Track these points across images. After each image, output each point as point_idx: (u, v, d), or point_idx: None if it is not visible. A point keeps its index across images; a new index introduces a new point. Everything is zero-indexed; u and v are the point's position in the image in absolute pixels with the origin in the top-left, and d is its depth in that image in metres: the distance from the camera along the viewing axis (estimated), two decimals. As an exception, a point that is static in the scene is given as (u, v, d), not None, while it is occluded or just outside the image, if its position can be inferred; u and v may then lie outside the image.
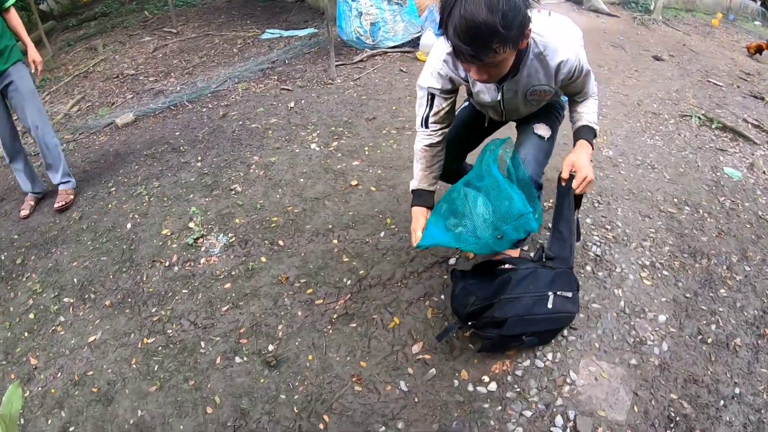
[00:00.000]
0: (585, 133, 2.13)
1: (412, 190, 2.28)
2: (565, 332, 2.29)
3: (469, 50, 1.58)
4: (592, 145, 2.11)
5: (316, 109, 4.81)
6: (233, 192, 3.55)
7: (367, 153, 3.89)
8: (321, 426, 2.02)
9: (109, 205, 3.59)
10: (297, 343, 2.33)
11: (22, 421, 2.25)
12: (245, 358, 2.29)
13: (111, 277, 2.93)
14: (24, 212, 3.76)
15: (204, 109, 5.21)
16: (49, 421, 2.22)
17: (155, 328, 2.54)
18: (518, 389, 2.10)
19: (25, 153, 3.83)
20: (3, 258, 3.28)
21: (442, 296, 2.50)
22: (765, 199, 3.46)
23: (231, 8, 9.98)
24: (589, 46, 6.94)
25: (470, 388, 2.12)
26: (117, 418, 2.17)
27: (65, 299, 2.84)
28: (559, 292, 2.07)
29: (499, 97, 2.06)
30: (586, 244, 2.83)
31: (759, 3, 13.43)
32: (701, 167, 3.78)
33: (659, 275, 2.67)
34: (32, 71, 3.67)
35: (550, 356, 2.20)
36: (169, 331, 2.50)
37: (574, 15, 8.43)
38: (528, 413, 2.02)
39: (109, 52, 7.95)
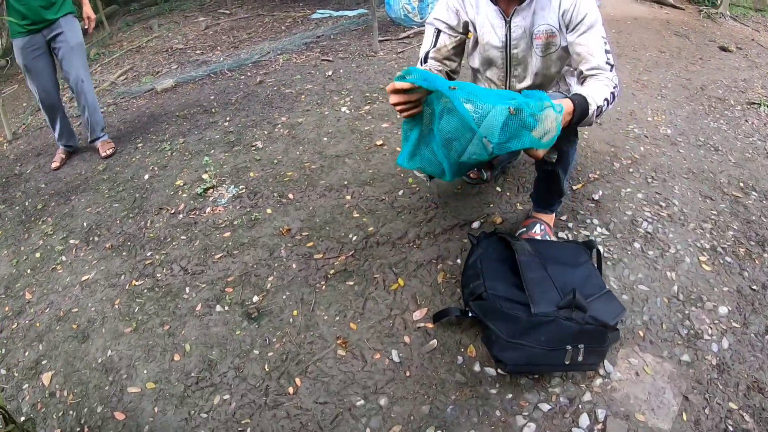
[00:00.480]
0: (576, 96, 1.68)
1: None
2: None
3: None
4: (575, 109, 1.64)
5: (353, 77, 4.52)
6: (254, 148, 3.30)
7: (398, 117, 3.55)
8: (290, 390, 1.71)
9: (133, 159, 3.43)
10: (284, 297, 2.02)
11: (3, 351, 2.17)
12: (226, 308, 2.00)
13: (118, 222, 2.79)
14: (55, 164, 3.71)
15: (242, 77, 5.01)
16: (26, 353, 2.12)
17: (146, 271, 2.31)
18: (536, 375, 1.71)
19: (63, 107, 3.76)
20: (27, 204, 3.28)
21: (458, 260, 2.14)
22: None
23: (286, -8, 9.86)
24: (650, 33, 6.48)
25: (476, 367, 1.75)
26: (87, 356, 1.98)
27: (71, 241, 2.75)
28: (581, 346, 1.64)
29: (505, 34, 1.92)
30: (635, 219, 2.41)
31: None
32: None
33: (721, 261, 2.20)
34: (85, 26, 3.61)
35: (581, 341, 1.79)
36: (158, 275, 2.26)
37: (636, 6, 7.89)
38: (545, 407, 1.62)
39: (163, 30, 7.90)
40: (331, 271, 2.12)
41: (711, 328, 1.87)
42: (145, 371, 1.83)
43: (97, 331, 2.06)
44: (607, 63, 1.79)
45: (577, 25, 1.81)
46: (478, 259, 1.87)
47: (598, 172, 2.78)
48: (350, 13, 7.10)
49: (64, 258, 2.61)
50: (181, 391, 1.77)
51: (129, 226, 2.69)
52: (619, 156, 2.98)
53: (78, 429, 1.78)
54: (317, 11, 7.60)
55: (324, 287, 2.05)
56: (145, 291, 2.18)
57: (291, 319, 1.91)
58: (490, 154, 1.56)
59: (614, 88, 1.75)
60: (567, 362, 1.63)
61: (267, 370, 1.77)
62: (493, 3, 1.89)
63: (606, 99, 1.70)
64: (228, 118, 3.90)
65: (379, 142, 3.16)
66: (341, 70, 4.75)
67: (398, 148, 3.08)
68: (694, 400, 1.62)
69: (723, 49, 6.19)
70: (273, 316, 1.94)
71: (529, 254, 1.83)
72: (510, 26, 1.89)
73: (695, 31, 6.92)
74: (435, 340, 1.82)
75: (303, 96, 4.16)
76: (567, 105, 1.60)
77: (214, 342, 1.86)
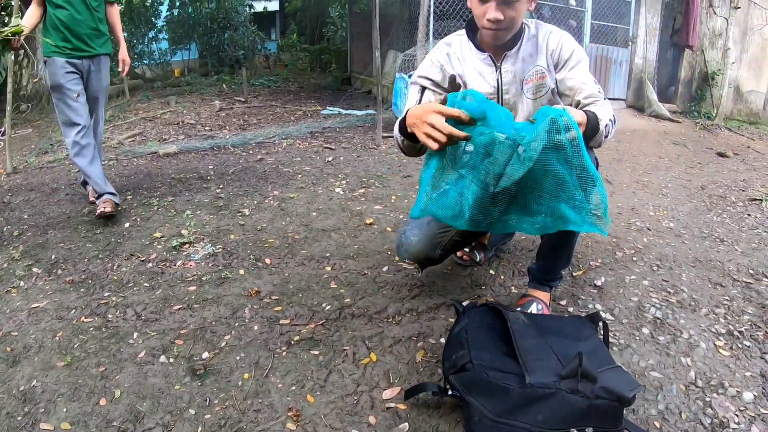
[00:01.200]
0: (586, 110, 1.64)
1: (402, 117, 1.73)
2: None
3: None
4: (588, 121, 1.59)
5: (352, 164, 4.44)
6: (240, 214, 3.13)
7: (393, 201, 3.41)
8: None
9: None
10: (237, 358, 1.74)
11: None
12: (171, 360, 1.72)
13: (86, 260, 2.56)
14: (109, 209, 3.06)
15: (244, 153, 4.95)
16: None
17: (98, 310, 2.05)
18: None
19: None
20: (4, 230, 3.08)
21: (442, 339, 1.88)
22: None
23: (301, 91, 10.13)
24: (648, 142, 6.49)
25: (455, 460, 1.45)
26: (11, 381, 1.69)
27: (35, 269, 2.52)
28: (590, 429, 1.32)
29: (497, 80, 1.86)
30: (642, 305, 2.21)
31: None
32: None
33: (740, 345, 1.99)
34: (119, 69, 3.50)
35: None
36: (109, 316, 2.00)
37: (635, 119, 8.07)
38: None
39: (179, 107, 8.00)
40: (296, 338, 1.86)
41: (737, 415, 1.61)
42: (65, 410, 1.53)
43: (29, 358, 1.77)
44: (600, 93, 1.80)
45: (567, 61, 1.84)
46: (463, 329, 1.59)
47: (599, 260, 2.62)
48: (358, 113, 7.21)
49: (21, 283, 2.38)
50: (97, 441, 1.48)
51: (95, 266, 2.46)
52: (622, 246, 2.83)
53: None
54: (327, 108, 7.74)
55: (284, 353, 1.78)
56: (91, 329, 1.91)
57: (240, 382, 1.63)
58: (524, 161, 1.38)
59: (612, 114, 1.73)
60: None
61: (199, 433, 1.48)
62: (481, 51, 1.85)
63: (610, 119, 1.69)
64: (221, 186, 3.76)
65: (369, 221, 2.99)
66: (341, 158, 4.70)
67: (388, 228, 2.91)
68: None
69: (720, 155, 6.27)
70: (220, 376, 1.66)
71: (524, 324, 1.55)
72: (501, 72, 1.86)
73: (692, 141, 7.04)
74: (406, 424, 1.50)
75: (299, 175, 4.06)
76: (579, 115, 1.54)
77: (148, 393, 1.58)
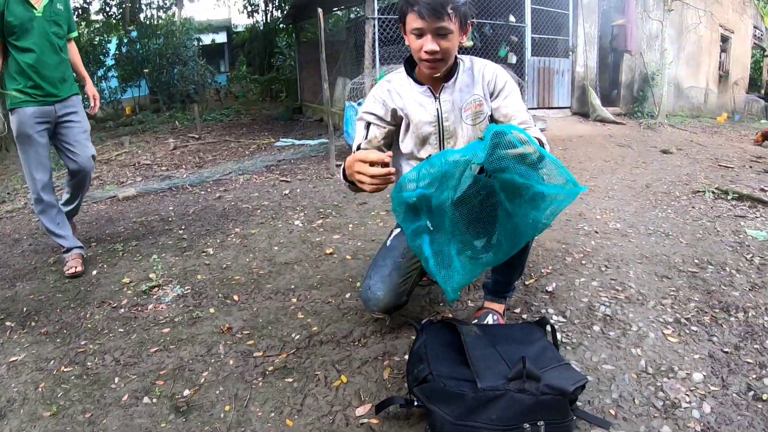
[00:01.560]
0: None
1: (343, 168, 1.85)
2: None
3: (428, 5, 1.72)
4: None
5: (309, 196, 4.58)
6: (204, 254, 3.22)
7: (350, 229, 3.57)
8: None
9: (84, 255, 3.28)
10: (217, 392, 1.85)
11: None
12: (154, 400, 1.82)
13: (58, 310, 2.59)
14: (77, 269, 3.02)
15: (202, 192, 5.03)
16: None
17: (77, 358, 2.12)
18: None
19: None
20: None
21: (406, 356, 2.02)
22: None
23: (254, 123, 10.21)
24: (594, 147, 6.79)
25: (426, 466, 1.59)
26: None
27: (7, 323, 2.51)
28: (541, 423, 1.47)
29: (437, 109, 2.00)
30: (592, 304, 2.39)
31: (763, 102, 13.63)
32: (721, 232, 3.39)
33: (687, 331, 2.17)
34: (91, 105, 3.28)
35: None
36: (89, 363, 2.07)
37: (580, 125, 8.35)
38: None
39: (133, 147, 8.00)
40: (270, 368, 1.98)
41: (688, 395, 1.76)
42: (58, 460, 1.63)
43: (15, 411, 1.83)
44: (531, 120, 1.98)
45: (500, 91, 2.00)
46: (422, 345, 1.75)
47: (550, 267, 2.79)
48: (312, 142, 7.36)
49: (-4, 338, 2.40)
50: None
51: (68, 316, 2.51)
52: (571, 251, 3.02)
53: None
54: (281, 139, 7.86)
55: (261, 383, 1.90)
56: (73, 378, 1.98)
57: (222, 415, 1.75)
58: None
59: (545, 141, 1.85)
60: None
61: (191, 466, 1.59)
62: (419, 84, 2.00)
63: (544, 144, 1.80)
64: (183, 227, 3.85)
65: (329, 251, 3.13)
66: (298, 190, 4.83)
67: (348, 256, 3.06)
68: (688, 470, 1.47)
69: (664, 152, 6.62)
70: (203, 411, 1.77)
71: (476, 335, 1.72)
72: (440, 101, 1.99)
73: (637, 141, 7.36)
74: (378, 437, 1.65)
75: (259, 211, 4.18)
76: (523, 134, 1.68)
77: (136, 434, 1.69)
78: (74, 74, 3.22)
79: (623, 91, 10.04)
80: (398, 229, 2.20)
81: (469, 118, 2.01)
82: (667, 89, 9.78)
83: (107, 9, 12.06)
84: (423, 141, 2.06)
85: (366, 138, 2.05)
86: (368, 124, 2.06)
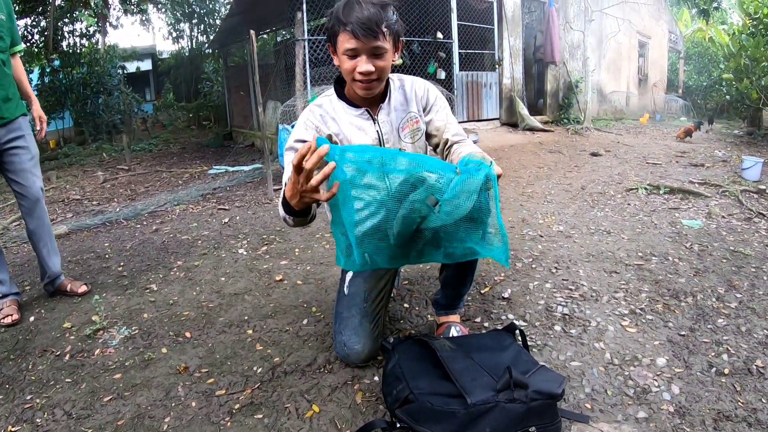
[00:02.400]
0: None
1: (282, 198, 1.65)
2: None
3: (362, 25, 1.66)
4: None
5: (249, 223, 4.47)
6: (147, 291, 3.07)
7: (297, 254, 3.50)
8: None
9: (20, 302, 3.04)
10: None
11: None
12: (115, 453, 1.72)
13: None
14: (14, 317, 2.77)
15: (138, 226, 4.81)
16: None
17: (24, 416, 1.95)
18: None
19: None
20: None
21: (376, 377, 1.99)
22: (732, 237, 3.23)
23: (184, 152, 9.91)
24: (526, 155, 7.01)
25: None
26: None
27: None
28: (533, 429, 1.49)
29: (377, 131, 1.95)
30: (549, 305, 2.45)
31: (681, 101, 14.48)
32: (659, 225, 3.58)
33: (644, 320, 2.27)
34: (38, 129, 2.94)
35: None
36: (38, 420, 1.91)
37: (510, 135, 8.58)
38: None
39: (61, 182, 7.57)
40: (236, 406, 1.89)
41: (656, 380, 1.84)
42: None
43: None
44: (463, 132, 2.00)
45: (432, 105, 2.02)
46: (396, 364, 1.71)
47: (502, 274, 2.83)
48: (246, 168, 7.22)
49: (-70, 404, 2.18)
50: None
51: (9, 369, 2.31)
52: (520, 256, 3.09)
53: None
54: (214, 167, 7.67)
55: (229, 424, 1.81)
56: (21, 439, 1.83)
57: (188, 462, 1.67)
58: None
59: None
60: None
61: None
62: (355, 107, 1.94)
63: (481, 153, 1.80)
64: (122, 263, 3.66)
65: (278, 278, 3.06)
66: (238, 217, 4.71)
67: (299, 282, 2.99)
68: (669, 449, 1.52)
69: (594, 154, 6.92)
70: (168, 460, 1.68)
71: (451, 349, 1.70)
72: (378, 123, 1.95)
73: (567, 146, 7.64)
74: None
75: (200, 241, 4.04)
76: (498, 168, 1.64)
77: (100, 494, 1.57)
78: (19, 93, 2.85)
79: (549, 99, 10.46)
80: (350, 274, 2.13)
81: (407, 137, 2.00)
82: (591, 95, 10.31)
83: (29, 37, 11.39)
84: None
85: None
86: None
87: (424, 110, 2.03)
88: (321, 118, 1.93)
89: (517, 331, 1.91)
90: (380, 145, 1.96)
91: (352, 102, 1.95)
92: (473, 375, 1.58)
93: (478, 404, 1.44)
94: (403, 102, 2.00)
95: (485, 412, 1.44)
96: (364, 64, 1.74)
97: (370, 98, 1.91)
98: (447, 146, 1.97)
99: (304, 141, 1.84)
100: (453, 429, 1.44)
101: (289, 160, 1.81)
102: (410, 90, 2.01)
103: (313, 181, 1.36)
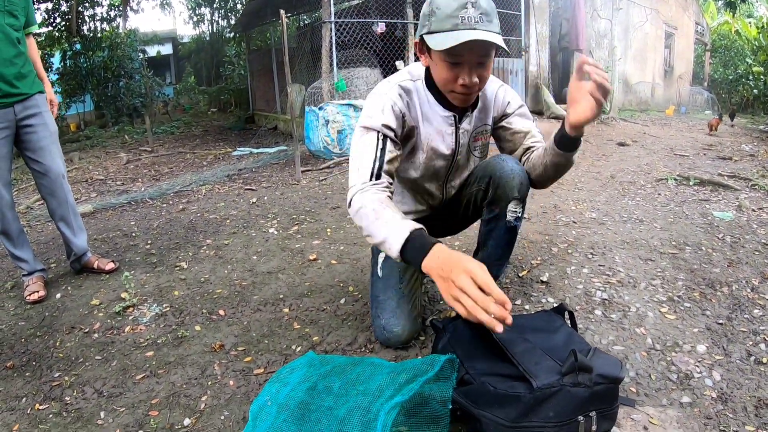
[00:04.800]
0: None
1: (405, 242, 1.38)
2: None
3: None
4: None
5: (278, 203, 4.36)
6: (177, 269, 2.97)
7: (329, 234, 3.38)
8: None
9: (46, 278, 2.97)
10: (222, 418, 1.63)
11: None
12: (151, 433, 1.61)
13: (23, 340, 2.29)
14: (40, 294, 2.70)
15: (164, 205, 4.73)
16: None
17: (52, 393, 1.84)
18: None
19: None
20: None
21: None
22: (763, 230, 3.11)
23: (206, 135, 9.86)
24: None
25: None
26: None
27: None
28: (593, 413, 1.35)
29: (454, 141, 1.76)
30: (588, 290, 2.35)
31: (707, 94, 14.20)
32: (690, 215, 3.46)
33: (681, 308, 2.18)
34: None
35: (575, 415, 1.56)
36: (67, 398, 1.80)
37: (536, 123, 8.48)
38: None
39: (83, 163, 7.55)
40: (275, 386, 1.79)
41: (698, 366, 1.77)
42: None
43: None
44: (538, 131, 1.91)
45: (515, 109, 1.87)
46: (448, 344, 1.59)
47: (539, 258, 2.74)
48: (270, 150, 7.12)
49: (-46, 379, 2.10)
50: None
51: (35, 345, 2.22)
52: (555, 242, 2.99)
53: None
54: (238, 149, 7.58)
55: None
56: (51, 416, 1.71)
57: (232, 443, 1.55)
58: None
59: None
60: None
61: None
62: (444, 108, 1.71)
63: None
64: (149, 242, 3.57)
65: (312, 257, 2.94)
66: (266, 197, 4.60)
67: (333, 261, 2.87)
68: (713, 434, 1.44)
69: (621, 144, 6.79)
70: (209, 441, 1.56)
71: (506, 330, 1.60)
72: (459, 132, 1.75)
73: (593, 135, 7.50)
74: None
75: (228, 221, 3.93)
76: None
77: (137, 476, 1.46)
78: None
79: (575, 88, 10.22)
80: (383, 254, 1.96)
81: (477, 150, 1.85)
82: (617, 85, 10.04)
83: (51, 21, 11.37)
84: (433, 173, 1.83)
85: (380, 159, 1.59)
86: (384, 141, 1.61)
87: (501, 117, 1.86)
88: (408, 106, 1.68)
89: (566, 313, 1.78)
90: (453, 156, 1.79)
91: (443, 100, 1.70)
92: (535, 358, 1.46)
93: (543, 388, 1.34)
94: (483, 109, 1.82)
95: (550, 396, 1.34)
96: (468, 76, 1.52)
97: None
98: (527, 152, 1.87)
99: (389, 126, 1.62)
100: (518, 413, 1.34)
101: (371, 139, 1.61)
102: (491, 96, 1.82)
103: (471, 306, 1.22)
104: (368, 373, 1.52)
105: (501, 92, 1.83)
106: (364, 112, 1.66)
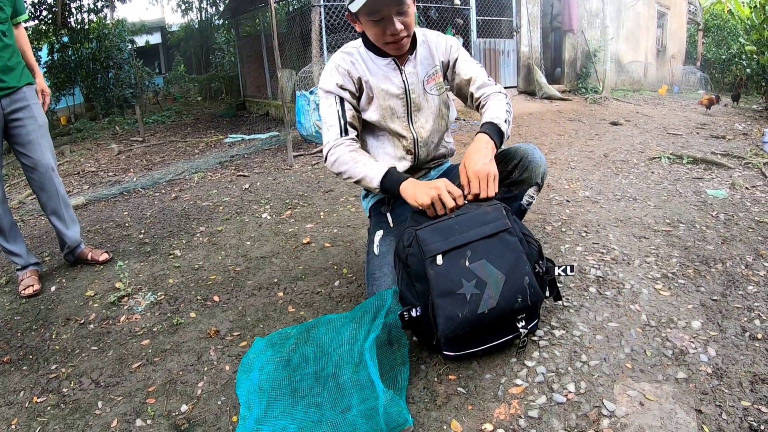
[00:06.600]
0: (485, 127, 1.81)
1: (384, 175, 1.76)
2: (584, 357, 1.69)
3: None
4: (493, 140, 1.78)
5: (271, 188, 4.34)
6: (171, 257, 2.95)
7: (322, 217, 3.37)
8: None
9: (40, 272, 2.94)
10: (219, 403, 1.63)
11: None
12: (149, 421, 1.58)
13: (19, 334, 2.28)
14: (34, 288, 2.68)
15: (157, 194, 4.69)
16: None
17: (50, 386, 1.84)
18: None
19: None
20: None
21: (415, 339, 1.85)
22: (757, 208, 3.10)
23: (197, 123, 9.78)
24: (546, 122, 6.87)
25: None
26: None
27: None
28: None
29: (403, 80, 1.94)
30: (583, 268, 2.35)
31: (700, 74, 14.13)
32: (683, 193, 3.46)
33: (676, 284, 2.18)
34: (40, 102, 2.78)
35: (571, 387, 1.54)
36: (64, 390, 1.80)
37: (529, 103, 8.46)
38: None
39: (75, 156, 7.47)
40: (270, 370, 1.78)
41: (692, 342, 1.77)
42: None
43: None
44: (489, 78, 1.99)
45: (457, 57, 2.00)
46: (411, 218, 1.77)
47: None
48: (262, 136, 7.07)
49: (-49, 375, 2.08)
50: None
51: (31, 339, 2.21)
52: (549, 220, 3.00)
53: None
54: (230, 135, 7.51)
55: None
56: (49, 408, 1.71)
57: (230, 426, 1.53)
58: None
59: (506, 96, 1.91)
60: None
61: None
62: (383, 56, 1.92)
63: (506, 110, 1.85)
64: (143, 231, 3.55)
65: (306, 241, 2.93)
66: (258, 183, 4.58)
67: (327, 244, 2.86)
68: (707, 410, 1.44)
69: (614, 123, 6.78)
70: (207, 426, 1.54)
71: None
72: (405, 74, 1.94)
73: (586, 115, 7.50)
74: (411, 421, 1.41)
75: (221, 207, 3.91)
76: (477, 145, 1.74)
77: (135, 463, 1.46)
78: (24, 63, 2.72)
79: (567, 68, 10.19)
80: (380, 232, 2.03)
81: (433, 89, 2.00)
82: (610, 65, 9.97)
83: (37, 14, 11.16)
84: (391, 113, 1.98)
85: (344, 116, 1.90)
86: (341, 100, 1.90)
87: (447, 64, 2.02)
88: (351, 64, 1.92)
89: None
90: (405, 95, 1.95)
91: (380, 52, 1.92)
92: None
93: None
94: (428, 56, 1.99)
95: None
96: (392, 26, 1.74)
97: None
98: (476, 104, 1.99)
99: (341, 86, 1.89)
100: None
101: (330, 102, 1.90)
102: (433, 45, 2.00)
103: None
104: (333, 328, 1.71)
105: (442, 38, 2.01)
106: (321, 79, 1.96)
